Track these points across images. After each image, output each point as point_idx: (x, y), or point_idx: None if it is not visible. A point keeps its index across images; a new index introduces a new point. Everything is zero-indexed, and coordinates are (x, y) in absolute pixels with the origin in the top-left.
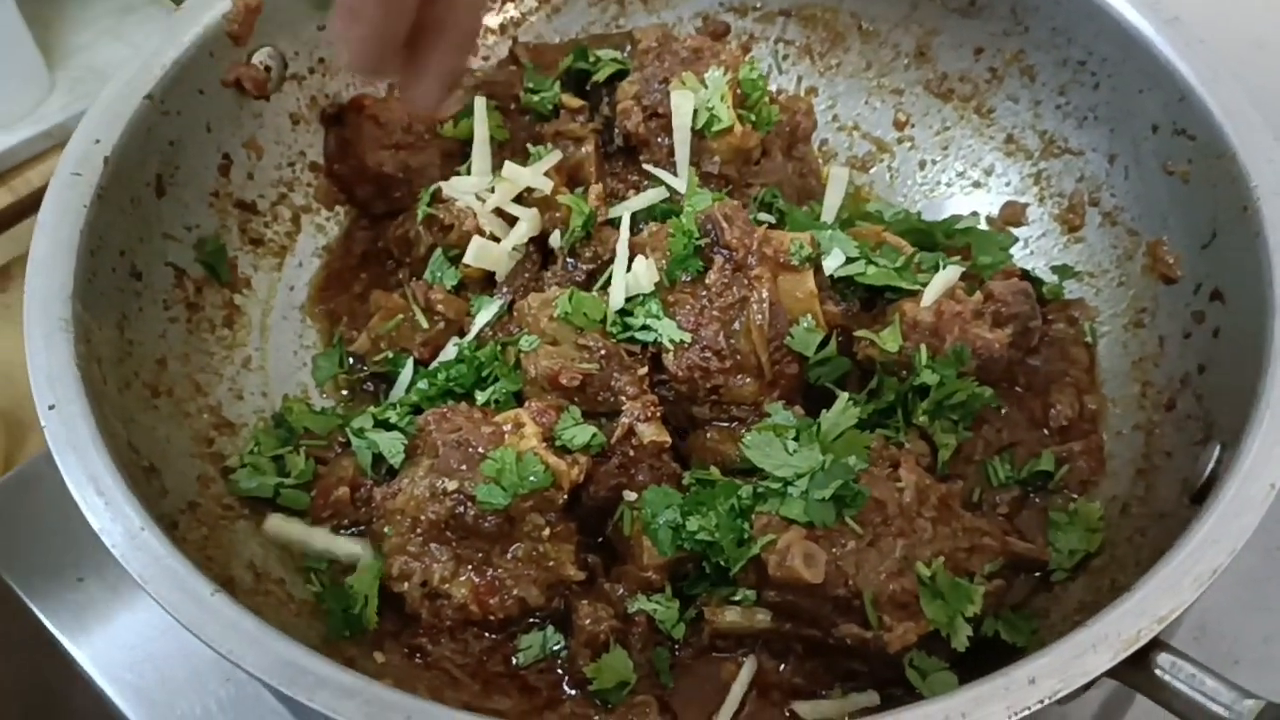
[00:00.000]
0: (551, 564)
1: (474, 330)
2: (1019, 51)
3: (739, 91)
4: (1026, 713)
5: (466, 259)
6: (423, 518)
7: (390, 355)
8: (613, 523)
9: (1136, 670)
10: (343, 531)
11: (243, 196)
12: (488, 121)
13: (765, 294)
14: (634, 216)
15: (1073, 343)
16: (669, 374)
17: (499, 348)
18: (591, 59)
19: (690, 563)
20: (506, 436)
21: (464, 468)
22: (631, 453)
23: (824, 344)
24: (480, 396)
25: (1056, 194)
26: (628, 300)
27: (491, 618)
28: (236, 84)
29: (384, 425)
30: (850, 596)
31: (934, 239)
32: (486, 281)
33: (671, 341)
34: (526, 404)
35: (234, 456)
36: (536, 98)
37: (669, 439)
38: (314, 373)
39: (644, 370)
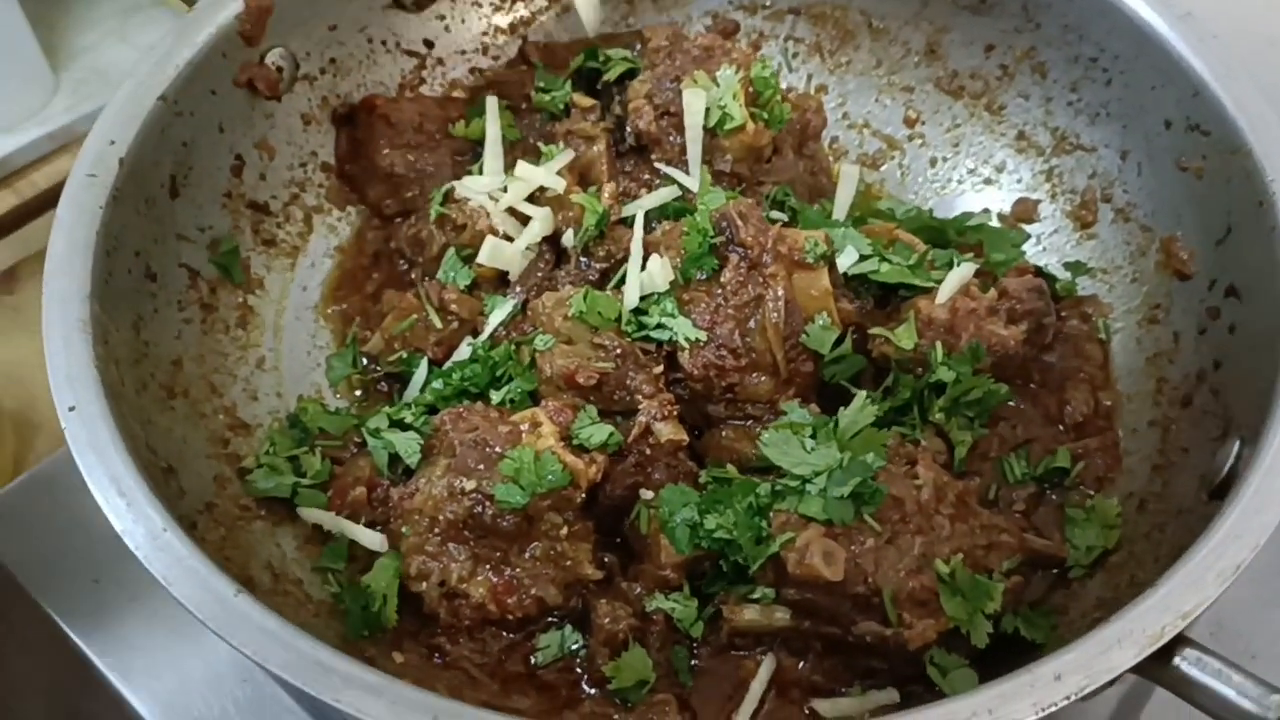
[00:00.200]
0: (569, 563)
1: (488, 330)
2: (1030, 48)
3: (751, 89)
4: (1053, 709)
5: (480, 258)
6: (441, 517)
7: (404, 355)
8: (629, 521)
9: (1161, 666)
10: None
11: (255, 197)
12: (499, 121)
13: (780, 292)
14: (646, 215)
15: (1087, 339)
16: (684, 372)
17: (513, 347)
18: (601, 58)
19: (707, 561)
20: (524, 436)
21: (482, 467)
22: (648, 451)
23: (839, 342)
24: (495, 396)
25: (1069, 190)
26: (642, 299)
27: (510, 617)
28: (249, 84)
29: (399, 425)
30: (869, 594)
31: (946, 236)
32: (499, 281)
33: (687, 340)
34: (543, 403)
35: (250, 457)
36: (548, 97)
37: (686, 437)
38: (327, 373)
39: (659, 369)
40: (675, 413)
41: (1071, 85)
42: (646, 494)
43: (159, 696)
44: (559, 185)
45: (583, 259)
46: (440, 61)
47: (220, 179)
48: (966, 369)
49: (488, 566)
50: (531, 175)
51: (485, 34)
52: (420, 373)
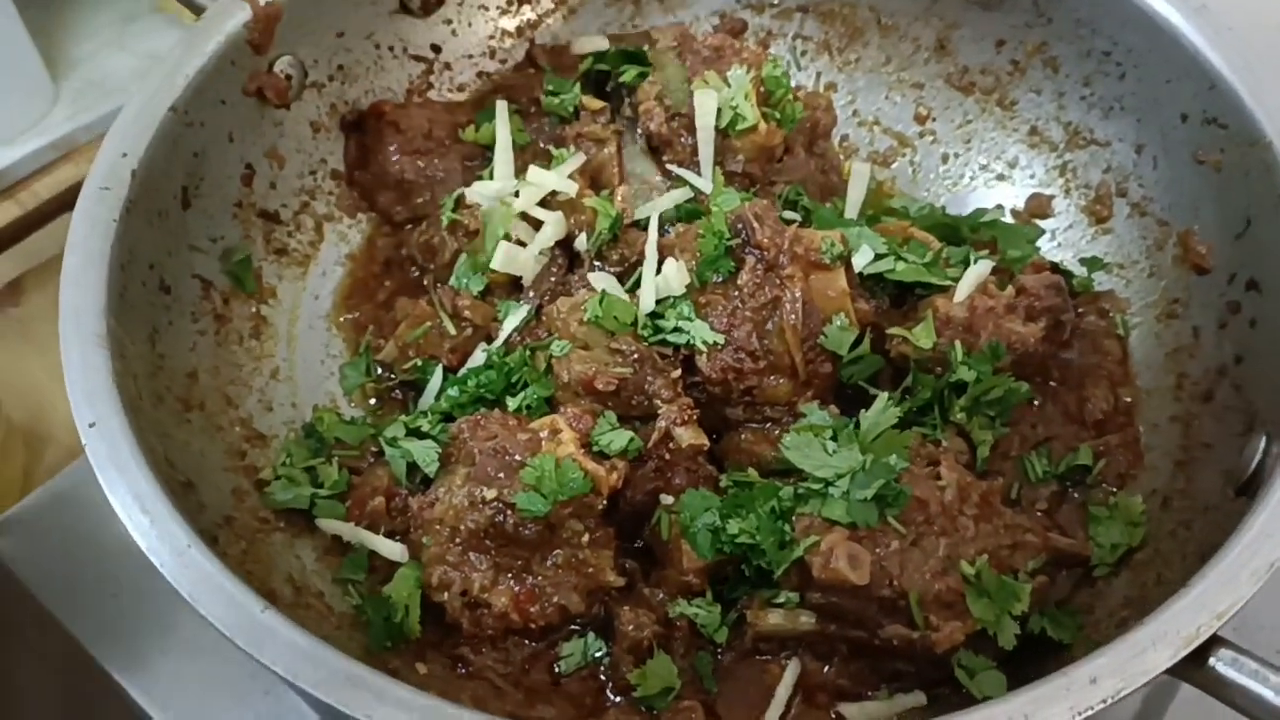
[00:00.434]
0: (591, 570)
1: (502, 336)
2: (1042, 43)
3: (762, 89)
4: (1090, 713)
5: (494, 265)
6: (462, 527)
7: (419, 363)
8: (650, 527)
9: (1196, 667)
10: None
11: (266, 206)
12: (509, 125)
13: (798, 293)
14: (660, 218)
15: (1105, 335)
16: (702, 376)
17: (528, 353)
18: (611, 63)
19: (729, 565)
20: (543, 443)
21: (502, 476)
22: (668, 456)
23: (857, 342)
24: (511, 402)
25: (1083, 185)
26: (658, 302)
27: (532, 625)
28: (258, 93)
29: (416, 434)
30: (895, 597)
31: (960, 233)
32: (512, 286)
33: (704, 343)
34: (561, 409)
35: (267, 469)
36: (557, 100)
37: (706, 442)
38: (342, 382)
39: (677, 373)
40: (695, 417)
41: (1084, 80)
42: (667, 499)
43: (179, 710)
44: (571, 189)
45: (596, 263)
46: (448, 66)
47: (231, 189)
48: (987, 368)
49: (509, 575)
50: (543, 180)
51: (492, 37)
52: (435, 380)
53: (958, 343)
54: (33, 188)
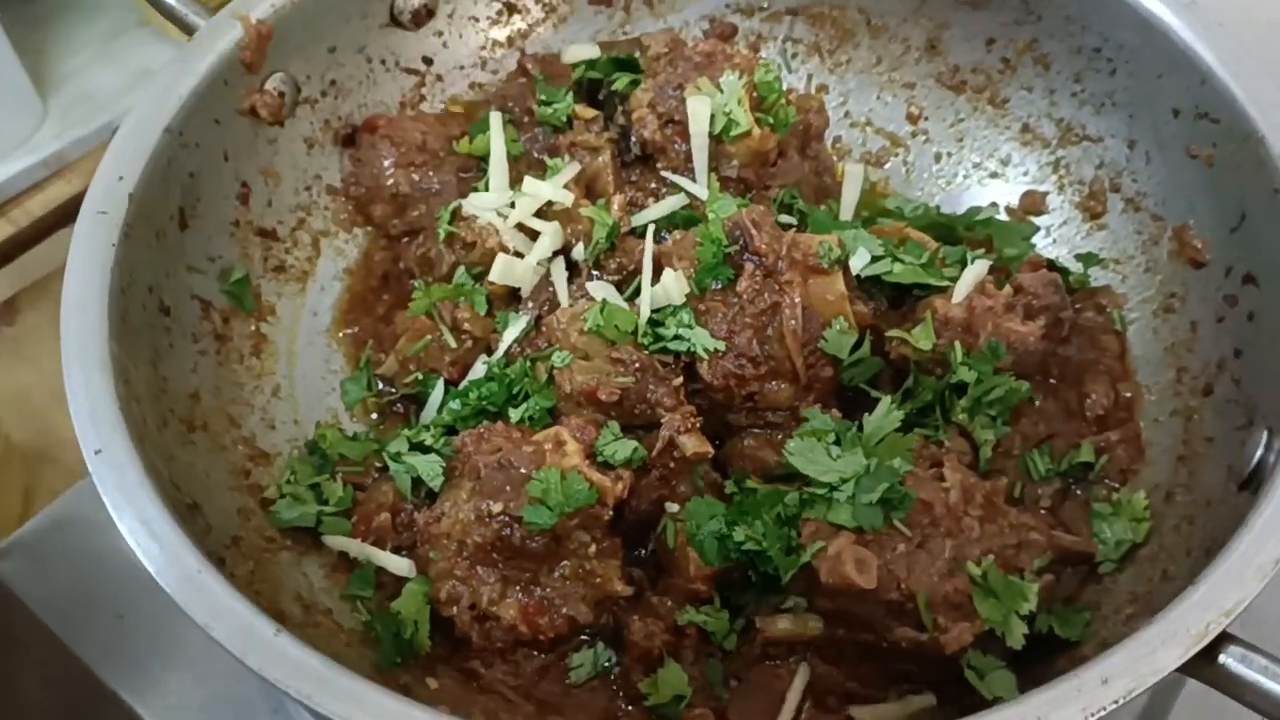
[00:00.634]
0: (599, 580)
1: (502, 347)
2: (1032, 41)
3: (755, 94)
4: (1102, 713)
5: (492, 276)
6: (469, 541)
7: (419, 376)
8: (655, 535)
9: (1207, 665)
10: None
11: (263, 224)
12: (503, 136)
13: (797, 298)
14: (655, 225)
15: (1103, 331)
16: (703, 383)
17: (529, 364)
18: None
19: (736, 572)
20: (548, 455)
21: (508, 489)
22: (672, 465)
23: (857, 345)
24: (514, 414)
25: (1076, 181)
26: (657, 310)
27: (542, 637)
28: (252, 111)
29: (420, 448)
30: (904, 600)
31: (955, 232)
32: (510, 297)
33: (705, 350)
34: (565, 421)
35: (271, 487)
36: (550, 109)
37: (711, 450)
38: (343, 397)
39: (679, 381)
40: (698, 425)
41: (1075, 76)
42: (672, 507)
43: None
44: (567, 199)
45: (594, 272)
46: (440, 78)
47: (227, 208)
48: (987, 368)
49: (517, 588)
50: (539, 190)
51: (483, 48)
52: (437, 394)
53: (957, 343)
54: (25, 205)
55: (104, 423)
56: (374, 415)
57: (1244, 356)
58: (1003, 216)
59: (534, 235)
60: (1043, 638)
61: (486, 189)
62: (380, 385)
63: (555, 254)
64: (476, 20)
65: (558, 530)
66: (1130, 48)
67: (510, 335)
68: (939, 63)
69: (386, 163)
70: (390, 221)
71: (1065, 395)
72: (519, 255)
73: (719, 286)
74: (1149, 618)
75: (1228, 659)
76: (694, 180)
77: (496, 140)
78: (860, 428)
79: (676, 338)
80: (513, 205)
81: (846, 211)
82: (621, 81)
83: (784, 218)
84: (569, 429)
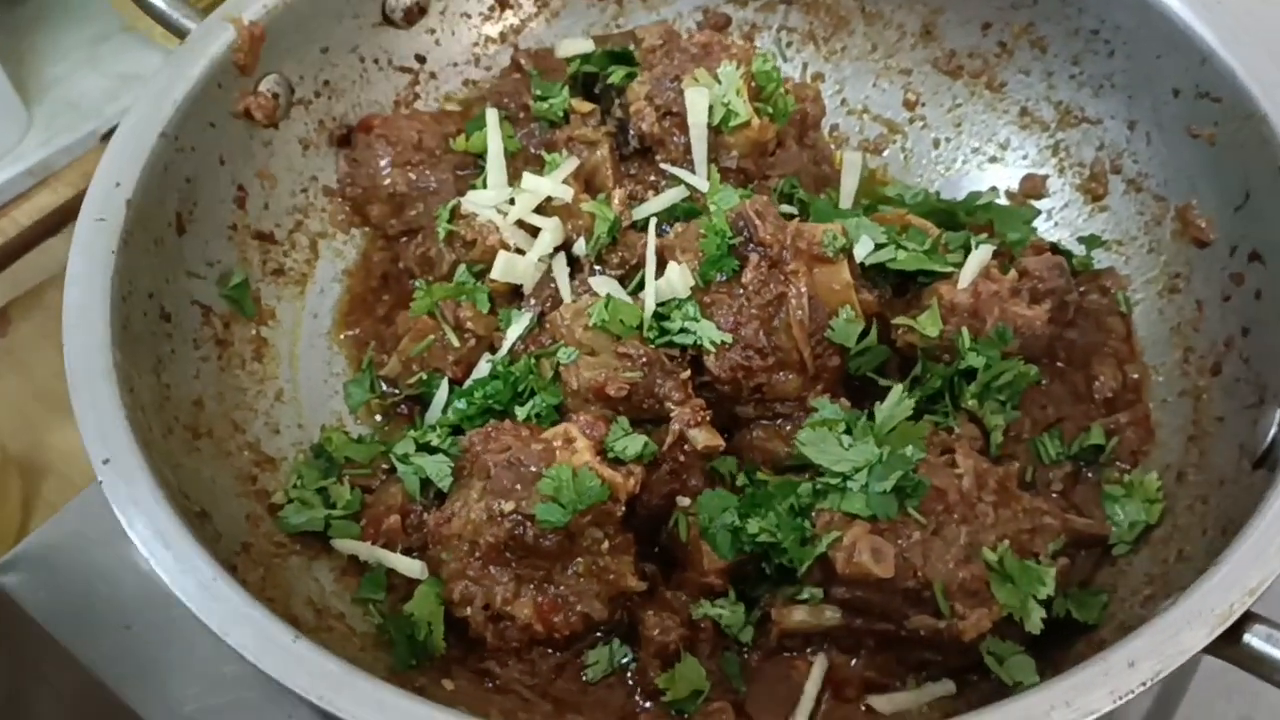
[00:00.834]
0: (612, 576)
1: (506, 345)
2: (1028, 24)
3: (753, 84)
4: (1130, 696)
5: (494, 274)
6: (481, 541)
7: (423, 376)
8: (667, 530)
9: (1232, 645)
10: None
11: (260, 227)
12: (500, 132)
13: (803, 288)
14: (656, 218)
15: (1108, 313)
16: (711, 376)
17: (533, 361)
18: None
19: (750, 564)
20: (558, 452)
21: (519, 487)
22: (682, 459)
23: (864, 334)
24: (520, 412)
25: (1076, 164)
26: (662, 303)
27: (557, 635)
28: (246, 114)
29: (427, 449)
30: (920, 587)
31: (956, 218)
32: (513, 295)
33: (712, 343)
34: (574, 417)
35: (278, 492)
36: (546, 105)
37: (721, 442)
38: (346, 399)
39: (687, 374)
40: (708, 418)
41: (1073, 58)
42: (683, 501)
43: None
44: (567, 194)
45: (596, 267)
46: (433, 76)
47: (224, 212)
48: (995, 353)
49: (531, 586)
50: (538, 186)
51: (476, 45)
52: (441, 394)
53: (964, 329)
54: (11, 215)
55: (111, 432)
56: (378, 417)
57: (1252, 335)
58: (1003, 201)
59: (534, 232)
60: (1060, 622)
61: (485, 186)
62: (383, 387)
63: (556, 250)
64: (469, 17)
65: (571, 527)
66: (1128, 29)
67: (514, 333)
68: (935, 48)
69: (383, 162)
70: (388, 221)
71: (1073, 378)
72: (520, 252)
73: (724, 278)
74: (1167, 599)
75: (1252, 638)
76: (693, 172)
77: (494, 137)
78: (870, 416)
79: (682, 331)
80: (512, 202)
81: (846, 200)
82: (617, 75)
83: (785, 208)
84: (578, 425)
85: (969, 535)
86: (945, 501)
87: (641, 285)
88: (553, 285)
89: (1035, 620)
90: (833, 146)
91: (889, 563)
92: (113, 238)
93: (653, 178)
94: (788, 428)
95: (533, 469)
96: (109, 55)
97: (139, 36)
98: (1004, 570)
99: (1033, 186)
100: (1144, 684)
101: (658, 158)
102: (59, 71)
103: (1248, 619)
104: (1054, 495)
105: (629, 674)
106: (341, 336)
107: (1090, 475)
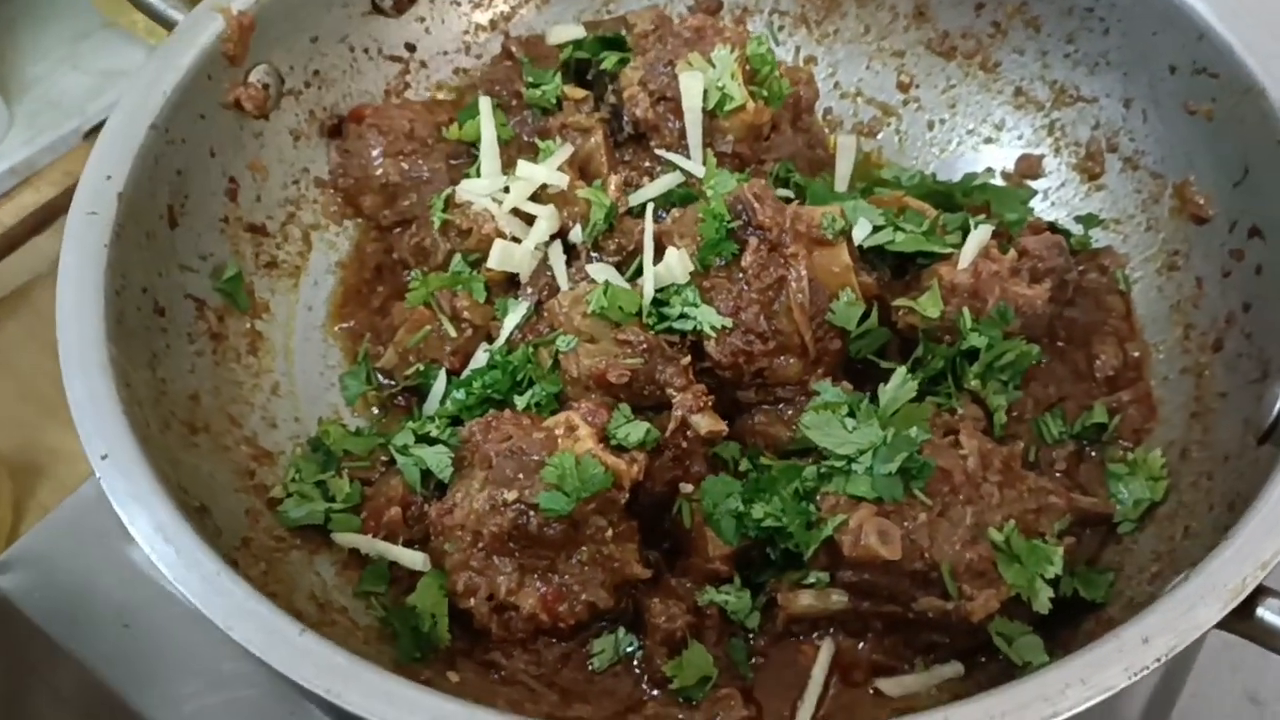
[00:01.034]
0: (617, 564)
1: (504, 334)
2: (1022, 4)
3: (748, 68)
4: (1145, 672)
5: (490, 263)
6: (484, 531)
7: (420, 368)
8: (671, 516)
9: (1245, 619)
10: None
11: (252, 220)
12: (493, 120)
13: (803, 271)
14: (653, 203)
15: (1107, 291)
16: (712, 361)
17: (531, 350)
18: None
19: (755, 549)
20: (560, 440)
21: (521, 476)
22: (684, 445)
23: (864, 316)
24: (519, 401)
25: (1072, 143)
26: (661, 289)
27: (562, 625)
28: (236, 105)
29: (426, 440)
30: (927, 569)
31: (953, 199)
32: (509, 284)
33: (712, 328)
34: (575, 405)
35: (277, 487)
36: (539, 92)
37: (724, 428)
38: (343, 392)
39: (687, 360)
40: (710, 404)
41: (1067, 37)
42: (687, 487)
43: None
44: (562, 181)
45: (594, 254)
46: (424, 64)
47: (216, 204)
48: (997, 333)
49: (535, 576)
50: (533, 174)
51: (466, 33)
52: (439, 384)
53: (965, 309)
54: None
55: (108, 427)
56: (375, 409)
57: (1253, 310)
58: (999, 181)
59: (530, 220)
60: (1067, 601)
61: (478, 175)
62: (380, 379)
63: (553, 237)
64: (458, 4)
65: (575, 516)
66: (1122, 6)
67: (511, 322)
68: (928, 29)
69: (375, 152)
70: (381, 212)
71: (1074, 357)
72: (516, 240)
73: (723, 263)
74: (1176, 575)
75: (1265, 611)
76: (688, 158)
77: (487, 125)
78: (873, 399)
79: (682, 316)
80: (507, 190)
81: (841, 183)
82: (610, 60)
83: (781, 192)
84: (580, 413)
85: (975, 516)
86: (951, 482)
87: (639, 271)
88: (549, 273)
89: (1043, 600)
90: (827, 130)
91: (896, 545)
92: (105, 231)
93: (647, 164)
94: (789, 412)
95: (535, 457)
96: (90, 52)
97: (120, 32)
98: (1011, 550)
99: (1029, 167)
100: (1159, 659)
101: (652, 143)
102: (40, 70)
103: (1260, 593)
104: (1058, 474)
105: (635, 662)
106: (336, 329)
107: (1093, 454)
